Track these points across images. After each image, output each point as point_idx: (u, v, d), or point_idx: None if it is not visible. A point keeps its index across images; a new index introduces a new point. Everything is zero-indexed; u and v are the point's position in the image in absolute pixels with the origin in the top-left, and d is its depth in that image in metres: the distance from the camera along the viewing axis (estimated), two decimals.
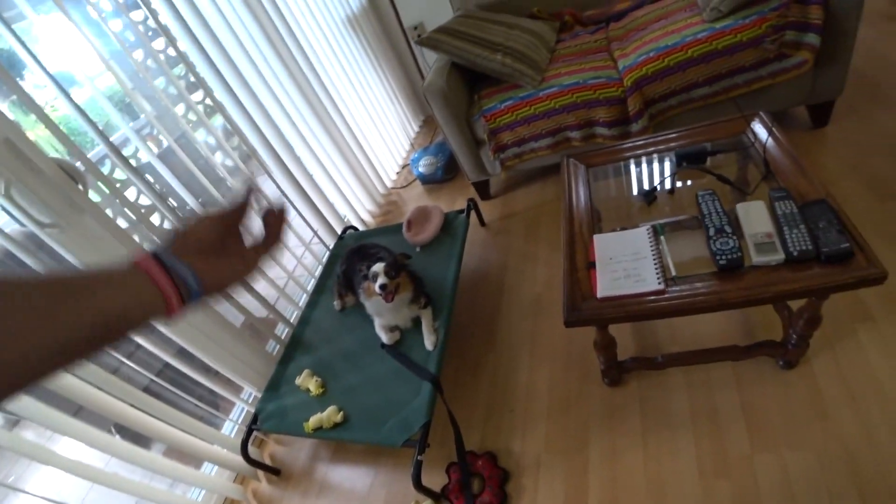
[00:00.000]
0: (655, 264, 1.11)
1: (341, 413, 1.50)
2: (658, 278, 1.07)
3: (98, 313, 0.38)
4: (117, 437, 1.60)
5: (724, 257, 1.05)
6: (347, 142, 2.55)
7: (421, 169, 2.68)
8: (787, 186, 1.16)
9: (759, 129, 1.37)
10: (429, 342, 1.54)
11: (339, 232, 2.31)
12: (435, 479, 1.46)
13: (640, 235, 1.19)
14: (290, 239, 2.34)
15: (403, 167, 3.09)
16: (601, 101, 1.93)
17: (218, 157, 4.09)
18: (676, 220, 1.25)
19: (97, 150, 2.90)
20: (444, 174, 2.66)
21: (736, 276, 1.04)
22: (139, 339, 1.53)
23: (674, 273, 1.08)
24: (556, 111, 1.99)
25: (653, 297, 1.05)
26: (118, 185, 1.64)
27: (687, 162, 1.36)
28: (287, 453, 1.79)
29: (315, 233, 2.38)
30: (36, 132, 1.37)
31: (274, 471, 1.73)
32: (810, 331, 1.20)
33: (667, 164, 1.45)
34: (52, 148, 1.49)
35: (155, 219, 1.76)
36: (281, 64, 2.19)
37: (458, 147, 2.19)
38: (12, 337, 0.33)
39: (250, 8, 2.06)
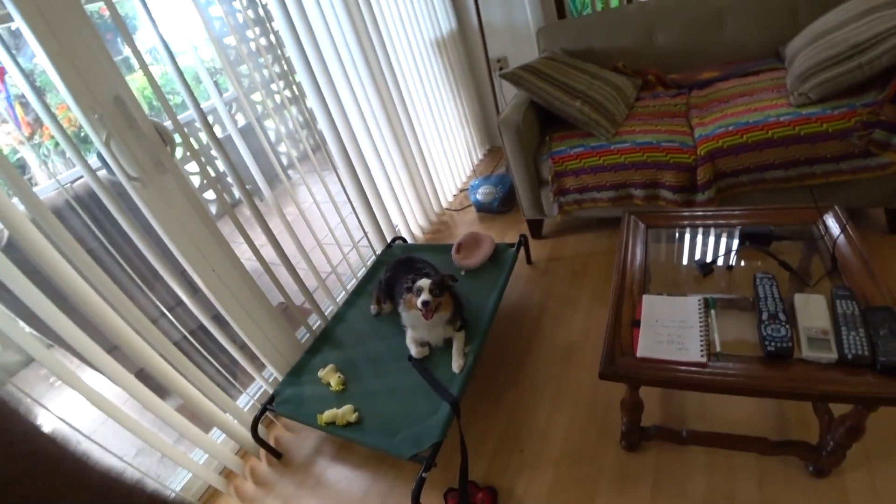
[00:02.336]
0: (701, 336, 1.09)
1: (356, 413, 1.52)
2: (702, 350, 1.05)
3: None
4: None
5: (773, 343, 1.03)
6: (413, 154, 2.63)
7: (478, 196, 2.73)
8: (852, 286, 1.13)
9: (832, 223, 1.34)
10: (456, 365, 1.56)
11: (389, 240, 2.37)
12: (431, 501, 1.45)
13: (691, 305, 1.18)
14: (339, 234, 2.42)
15: (461, 191, 3.15)
16: (671, 165, 1.93)
17: (283, 147, 4.33)
18: (729, 298, 1.22)
19: (183, 115, 3.12)
20: (500, 206, 2.69)
21: (782, 365, 1.02)
22: (182, 296, 1.62)
23: (718, 349, 1.06)
24: (624, 166, 2.00)
25: (693, 369, 1.03)
26: (197, 149, 1.74)
27: (750, 241, 1.34)
28: (293, 440, 1.82)
29: (366, 234, 2.45)
30: (132, 85, 1.49)
31: (276, 454, 1.76)
32: (850, 441, 1.14)
33: (728, 240, 1.43)
34: (144, 101, 1.61)
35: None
36: (366, 67, 2.30)
37: (521, 182, 2.22)
38: None
39: (348, 10, 2.19)
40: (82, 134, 1.38)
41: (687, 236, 1.50)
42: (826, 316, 1.07)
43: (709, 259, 1.34)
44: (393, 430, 1.44)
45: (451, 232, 2.77)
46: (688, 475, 1.34)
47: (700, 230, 1.49)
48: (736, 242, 1.39)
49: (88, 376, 1.42)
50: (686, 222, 1.52)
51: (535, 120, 2.25)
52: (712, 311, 1.16)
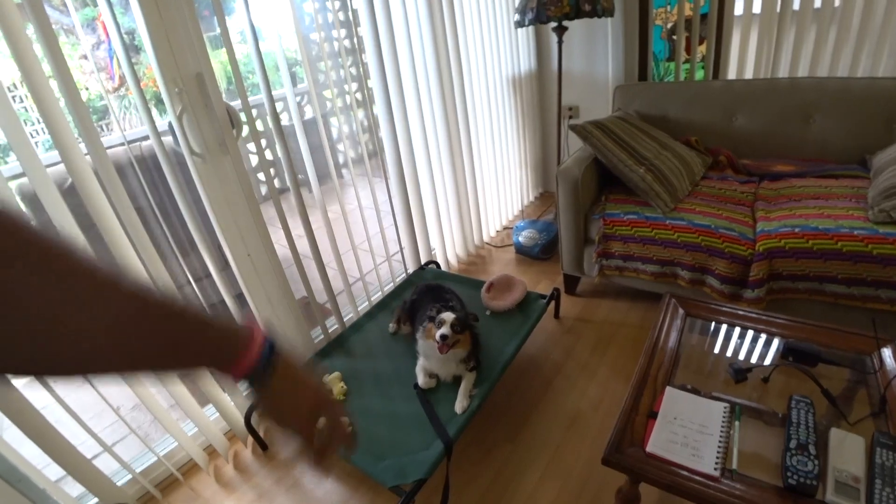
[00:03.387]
0: (719, 447, 1.02)
1: (350, 428, 1.50)
2: (717, 463, 0.98)
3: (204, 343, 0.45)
4: None
5: (795, 477, 0.95)
6: (466, 182, 2.64)
7: (521, 238, 2.70)
8: None
9: (889, 360, 1.24)
10: (459, 405, 1.52)
11: (423, 262, 2.37)
12: None
13: (715, 410, 1.10)
14: (376, 243, 2.43)
15: (505, 229, 3.13)
16: (724, 254, 1.85)
17: (340, 146, 4.43)
18: (758, 411, 1.14)
19: (254, 98, 3.24)
20: (541, 253, 2.65)
21: (801, 503, 0.93)
22: (212, 269, 1.65)
23: (735, 466, 0.99)
24: (675, 244, 1.93)
25: (702, 480, 0.96)
26: (261, 131, 1.79)
27: (794, 357, 1.25)
28: (281, 436, 1.81)
29: (401, 249, 2.45)
30: (215, 61, 1.55)
31: (263, 444, 1.76)
32: None
33: (769, 350, 1.34)
34: (225, 82, 1.67)
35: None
36: (438, 86, 2.33)
37: (567, 236, 2.18)
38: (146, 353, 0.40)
39: (433, 29, 2.24)
40: (161, 96, 1.45)
41: (726, 334, 1.42)
42: (862, 461, 0.98)
43: (745, 365, 1.26)
44: (380, 454, 1.41)
45: (485, 267, 2.74)
46: None
47: (742, 330, 1.41)
48: (776, 354, 1.31)
49: None
50: (728, 319, 1.44)
51: (594, 177, 2.21)
52: (737, 423, 1.08)
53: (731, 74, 2.83)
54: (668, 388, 1.16)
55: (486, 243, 2.97)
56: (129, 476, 1.57)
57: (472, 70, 2.59)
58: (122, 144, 1.81)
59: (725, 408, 1.11)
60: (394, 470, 1.35)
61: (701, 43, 2.82)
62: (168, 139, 1.70)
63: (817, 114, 2.26)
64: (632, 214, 2.02)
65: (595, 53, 2.94)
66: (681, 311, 1.45)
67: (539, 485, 1.52)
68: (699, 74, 2.89)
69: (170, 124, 1.50)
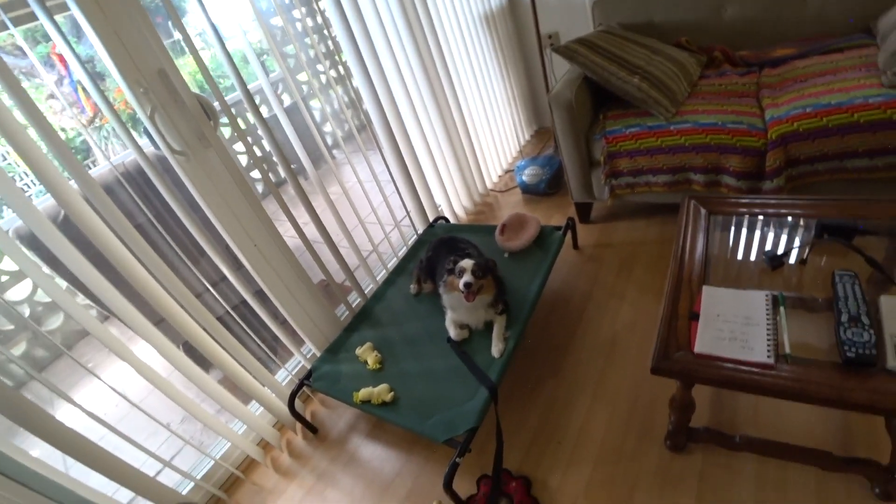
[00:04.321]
0: (769, 335, 0.99)
1: (392, 393, 1.50)
2: (768, 351, 0.96)
3: None
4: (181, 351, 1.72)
5: (854, 349, 0.92)
6: (459, 134, 2.56)
7: (524, 178, 2.64)
8: None
9: None
10: (496, 349, 1.51)
11: (431, 219, 2.33)
12: (463, 486, 1.42)
13: (757, 300, 1.07)
14: (382, 213, 2.39)
15: (507, 172, 3.06)
16: (737, 149, 1.78)
17: (328, 127, 4.35)
18: (801, 297, 1.11)
19: (232, 96, 3.16)
20: (547, 188, 2.59)
21: (863, 375, 0.91)
22: (225, 271, 1.63)
23: (787, 351, 0.96)
24: (684, 148, 1.86)
25: (758, 370, 0.94)
26: (244, 128, 1.74)
27: (829, 234, 1.21)
28: (328, 416, 1.83)
29: (408, 213, 2.41)
30: (184, 70, 1.51)
31: (312, 428, 1.77)
32: None
33: (803, 232, 1.30)
34: (195, 85, 1.61)
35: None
36: (413, 44, 2.23)
37: (571, 163, 2.12)
38: None
39: None
40: (137, 116, 1.40)
41: (754, 225, 1.37)
42: None
43: (779, 251, 1.22)
44: (428, 412, 1.41)
45: (494, 214, 2.69)
46: (736, 484, 1.24)
47: (769, 220, 1.36)
48: (811, 235, 1.26)
49: (138, 349, 1.46)
50: (754, 210, 1.39)
51: (588, 97, 2.12)
52: (781, 309, 1.05)
53: None
54: (706, 288, 1.13)
55: (491, 190, 2.90)
56: (192, 484, 1.60)
57: (442, 18, 2.46)
58: (108, 166, 1.77)
59: (767, 297, 1.08)
60: (443, 425, 1.36)
61: None
62: (150, 150, 1.65)
63: None
64: (634, 127, 1.95)
65: None
66: (703, 210, 1.40)
67: (589, 413, 1.52)
68: None
69: (145, 130, 1.45)
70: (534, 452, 1.47)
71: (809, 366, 0.93)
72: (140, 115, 1.38)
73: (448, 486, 1.28)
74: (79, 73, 1.33)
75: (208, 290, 1.72)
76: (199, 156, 1.49)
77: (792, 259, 1.20)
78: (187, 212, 1.52)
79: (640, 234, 2.18)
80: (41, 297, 3.05)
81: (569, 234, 2.00)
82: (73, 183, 1.30)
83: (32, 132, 1.21)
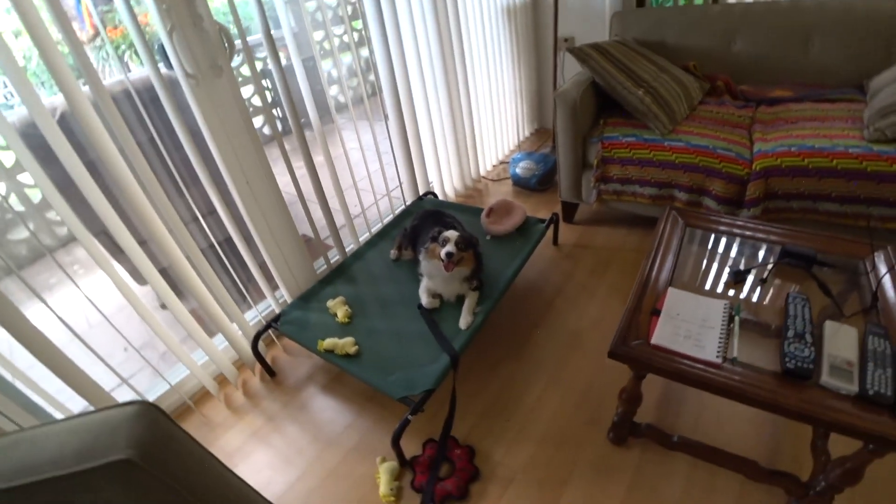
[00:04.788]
0: (720, 339, 1.06)
1: (356, 347, 1.53)
2: (718, 352, 1.03)
3: None
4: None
5: (793, 361, 0.99)
6: (463, 116, 2.59)
7: (518, 170, 2.69)
8: (888, 326, 1.08)
9: (881, 263, 1.27)
10: (464, 321, 1.55)
11: (421, 193, 2.36)
12: (409, 446, 1.46)
13: (716, 307, 1.14)
14: (376, 181, 2.40)
15: (501, 163, 3.11)
16: (721, 174, 1.86)
17: (334, 90, 4.31)
18: (756, 311, 1.18)
19: (251, 38, 3.10)
20: (538, 184, 2.65)
21: (798, 385, 0.98)
22: (217, 206, 1.64)
23: (735, 355, 1.03)
24: (673, 165, 1.94)
25: (705, 367, 1.00)
26: (259, 70, 1.74)
27: (791, 259, 1.29)
28: (288, 362, 1.86)
29: (400, 184, 2.43)
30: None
31: (270, 371, 1.80)
32: (843, 485, 1.10)
33: (767, 255, 1.38)
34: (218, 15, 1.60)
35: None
36: (434, 21, 2.25)
37: (565, 161, 2.17)
38: None
39: None
40: (146, 38, 1.40)
41: (724, 242, 1.45)
42: (855, 349, 1.03)
43: (743, 268, 1.29)
44: (389, 369, 1.45)
45: (482, 200, 2.73)
46: (666, 481, 1.32)
47: (740, 239, 1.44)
48: (774, 258, 1.34)
49: (115, 268, 1.46)
50: (727, 228, 1.46)
51: (592, 101, 2.18)
52: (736, 318, 1.12)
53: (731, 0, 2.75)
54: (671, 289, 1.20)
55: (483, 177, 2.95)
56: None
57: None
58: (119, 80, 1.74)
59: (726, 305, 1.15)
60: (402, 382, 1.40)
61: None
62: (162, 71, 1.63)
63: (817, 36, 2.22)
64: (630, 137, 2.01)
65: None
66: (681, 221, 1.47)
67: (542, 395, 1.59)
68: (698, 2, 2.80)
69: (160, 47, 1.44)
70: (483, 424, 1.53)
71: (752, 370, 1.00)
72: (159, 30, 1.37)
73: (396, 439, 1.33)
74: None
75: (198, 219, 1.72)
76: (210, 83, 1.49)
77: (753, 277, 1.27)
78: (189, 139, 1.52)
79: (618, 241, 2.26)
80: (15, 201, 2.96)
81: (550, 230, 2.06)
82: (85, 87, 1.29)
83: (53, 30, 1.20)
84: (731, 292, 1.25)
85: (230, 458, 1.55)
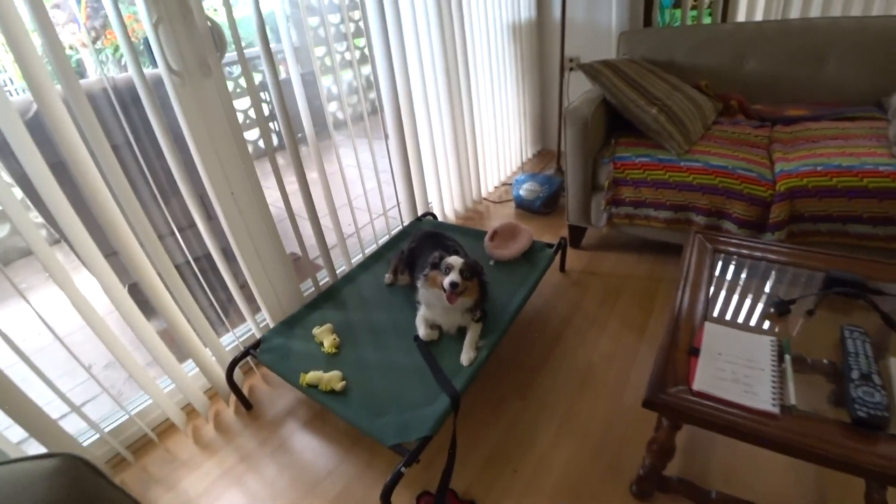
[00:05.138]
0: (773, 383, 0.89)
1: (343, 383, 1.35)
2: (773, 399, 0.86)
3: None
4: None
5: (865, 409, 0.83)
6: (465, 135, 2.48)
7: (521, 192, 2.55)
8: None
9: None
10: (466, 357, 1.38)
11: (420, 213, 2.21)
12: (400, 500, 1.27)
13: (762, 345, 0.98)
14: (372, 199, 2.25)
15: (504, 184, 2.98)
16: (743, 196, 1.72)
17: (333, 106, 4.22)
18: (806, 348, 1.02)
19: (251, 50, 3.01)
20: (542, 206, 2.51)
21: (872, 437, 0.82)
22: (197, 220, 1.48)
23: (793, 402, 0.86)
24: (690, 187, 1.80)
25: (761, 419, 0.83)
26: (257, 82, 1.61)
27: (839, 287, 1.13)
28: (267, 394, 1.67)
29: (398, 203, 2.29)
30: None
31: (246, 403, 1.61)
32: None
33: (808, 283, 1.22)
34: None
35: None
36: (440, 38, 2.17)
37: (573, 183, 2.04)
38: None
39: None
40: (137, 43, 1.28)
41: (759, 269, 1.29)
42: None
43: (789, 298, 1.13)
44: (379, 410, 1.27)
45: (483, 222, 2.59)
46: None
47: (775, 266, 1.29)
48: (818, 287, 1.18)
49: (81, 279, 1.29)
50: (760, 253, 1.31)
51: (602, 120, 2.06)
52: (787, 357, 0.96)
53: (741, 19, 2.69)
54: (708, 324, 1.03)
55: (484, 198, 2.81)
56: (97, 436, 1.41)
57: (472, 16, 2.40)
58: (97, 77, 1.61)
59: (773, 341, 0.99)
60: (395, 427, 1.21)
61: None
62: (146, 70, 1.50)
63: (832, 55, 2.13)
64: (644, 157, 1.88)
65: (598, 1, 2.76)
66: (709, 246, 1.32)
67: (553, 444, 1.40)
68: (706, 20, 2.73)
69: (145, 39, 1.31)
70: (486, 476, 1.34)
71: (815, 421, 0.83)
72: (145, 23, 1.24)
73: (387, 495, 1.14)
74: None
75: (174, 233, 1.56)
76: (196, 83, 1.35)
77: (799, 308, 1.11)
78: (171, 145, 1.37)
79: (628, 268, 2.10)
80: None
81: (558, 256, 1.91)
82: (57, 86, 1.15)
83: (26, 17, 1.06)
84: (767, 325, 1.09)
85: None
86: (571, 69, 2.97)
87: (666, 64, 2.38)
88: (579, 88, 2.07)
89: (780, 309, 1.09)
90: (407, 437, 1.18)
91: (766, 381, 0.89)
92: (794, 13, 2.52)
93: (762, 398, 0.86)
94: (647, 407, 0.87)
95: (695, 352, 0.96)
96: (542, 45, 3.07)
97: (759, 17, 2.62)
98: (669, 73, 2.28)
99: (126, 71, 1.32)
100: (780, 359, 0.95)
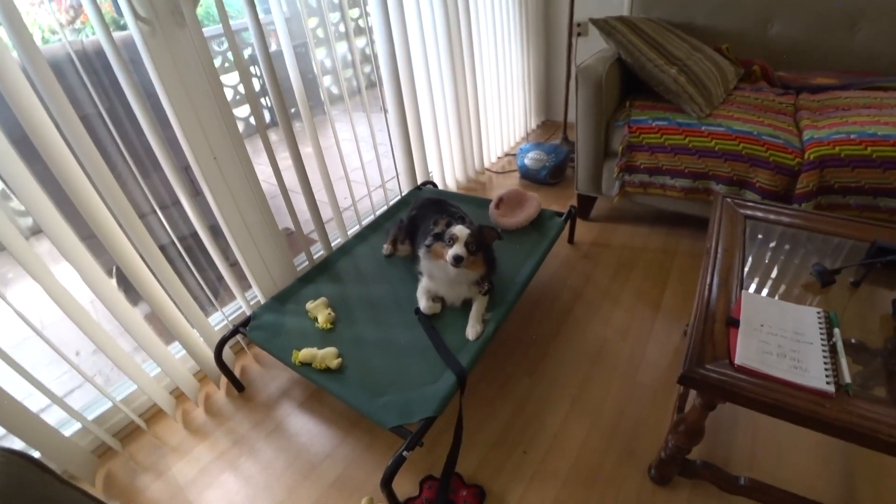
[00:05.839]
0: (825, 358, 0.79)
1: (339, 360, 1.25)
2: (827, 377, 0.75)
3: None
4: (113, 280, 1.43)
5: None
6: (468, 103, 2.34)
7: (526, 161, 2.42)
8: None
9: None
10: (472, 331, 1.27)
11: (419, 182, 2.08)
12: (403, 485, 1.19)
13: (808, 316, 0.88)
14: (370, 170, 2.13)
15: (507, 155, 2.84)
16: (769, 164, 1.60)
17: (327, 80, 4.04)
18: (852, 319, 0.92)
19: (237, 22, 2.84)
20: (548, 177, 2.38)
21: None
22: (182, 198, 1.35)
23: (847, 380, 0.76)
24: (712, 153, 1.68)
25: (816, 399, 0.73)
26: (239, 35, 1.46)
27: (889, 256, 1.02)
28: (260, 374, 1.57)
29: (397, 174, 2.16)
30: None
31: (238, 385, 1.52)
32: None
33: (851, 253, 1.11)
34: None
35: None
36: (442, 2, 2.01)
37: (584, 149, 1.91)
38: None
39: None
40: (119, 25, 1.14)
41: (796, 237, 1.18)
42: None
43: (834, 267, 1.02)
44: (379, 389, 1.17)
45: (487, 193, 2.46)
46: None
47: (812, 234, 1.18)
48: (863, 257, 1.08)
49: (61, 268, 1.18)
50: (793, 220, 1.20)
51: (617, 81, 1.92)
52: (836, 331, 0.85)
53: None
54: (745, 293, 0.93)
55: (487, 169, 2.68)
56: (79, 426, 1.31)
57: None
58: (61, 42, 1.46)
59: (819, 313, 0.88)
60: (396, 408, 1.12)
61: None
62: (118, 35, 1.36)
63: (864, 21, 1.99)
64: (661, 121, 1.75)
65: None
66: (739, 212, 1.21)
67: (566, 422, 1.31)
68: None
69: None
70: (494, 458, 1.25)
71: (880, 403, 0.73)
72: None
73: (387, 481, 1.04)
74: None
75: (155, 212, 1.43)
76: (169, 33, 1.21)
77: (843, 278, 1.01)
78: (148, 114, 1.23)
79: (641, 241, 1.99)
80: None
81: (566, 226, 1.79)
82: (14, 54, 1.01)
83: None
84: (819, 299, 0.98)
85: (183, 492, 1.26)
86: (580, 34, 2.81)
87: (684, 26, 2.23)
88: (589, 53, 1.93)
89: (823, 279, 0.98)
90: (409, 419, 1.08)
91: (816, 357, 0.79)
92: None
93: (814, 375, 0.76)
94: (685, 384, 0.77)
95: (734, 322, 0.85)
96: (548, 8, 2.91)
97: None
98: (690, 36, 2.13)
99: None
100: (829, 333, 0.85)
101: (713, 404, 0.85)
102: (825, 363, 0.78)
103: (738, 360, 0.78)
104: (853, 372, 0.79)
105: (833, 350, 0.82)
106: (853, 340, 0.87)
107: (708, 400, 0.83)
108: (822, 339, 0.82)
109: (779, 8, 2.10)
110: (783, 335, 0.83)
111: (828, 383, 0.74)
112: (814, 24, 2.06)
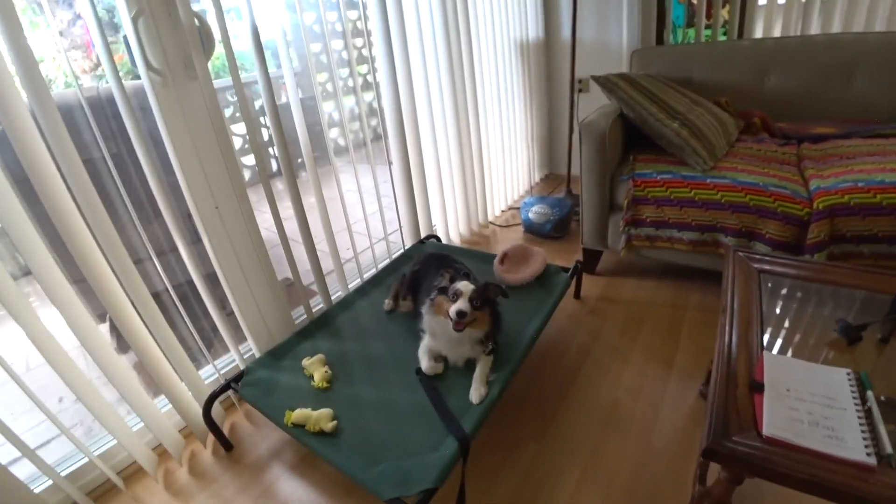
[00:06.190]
0: (861, 425, 0.72)
1: (334, 423, 1.18)
2: (867, 447, 0.68)
3: None
4: (104, 325, 1.39)
5: None
6: (472, 157, 2.36)
7: (530, 215, 2.41)
8: None
9: None
10: (476, 394, 1.20)
11: (423, 236, 2.06)
12: None
13: (837, 378, 0.81)
14: (373, 221, 2.12)
15: (510, 208, 2.84)
16: (777, 215, 1.57)
17: (334, 132, 4.14)
18: (884, 378, 0.85)
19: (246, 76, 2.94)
20: (553, 231, 2.36)
21: None
22: (179, 244, 1.33)
23: (890, 450, 0.69)
24: (718, 206, 1.65)
25: (857, 474, 0.66)
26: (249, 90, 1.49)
27: None
28: (250, 433, 1.49)
29: (400, 227, 2.15)
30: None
31: (226, 444, 1.43)
32: None
33: (872, 308, 1.05)
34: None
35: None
36: (447, 58, 2.10)
37: (589, 203, 1.89)
38: None
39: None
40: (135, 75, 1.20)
41: (813, 292, 1.13)
42: None
43: (859, 323, 0.96)
44: (375, 456, 1.09)
45: (490, 248, 2.43)
46: None
47: (829, 289, 1.12)
48: (886, 312, 1.02)
49: (48, 313, 1.14)
50: (809, 273, 1.15)
51: (620, 136, 1.93)
52: (869, 394, 0.78)
53: (758, 37, 2.60)
54: (767, 353, 0.87)
55: (491, 222, 2.67)
56: (50, 482, 1.23)
57: (480, 35, 2.33)
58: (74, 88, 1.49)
59: (849, 374, 0.82)
60: (393, 477, 1.03)
61: (724, 6, 2.58)
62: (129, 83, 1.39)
63: (859, 71, 2.03)
64: (666, 174, 1.74)
65: (607, 21, 2.70)
66: (753, 266, 1.16)
67: (577, 492, 1.21)
68: (721, 38, 2.65)
69: (124, 37, 1.19)
70: None
71: None
72: (123, 16, 1.13)
73: None
74: (89, 19, 1.10)
75: (151, 258, 1.41)
76: (180, 84, 1.23)
77: (870, 335, 0.94)
78: (151, 161, 1.24)
79: (649, 295, 1.94)
80: None
81: (572, 281, 1.75)
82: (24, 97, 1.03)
83: None
84: (844, 358, 0.92)
85: None
86: (581, 90, 2.88)
87: (682, 81, 2.28)
88: (590, 108, 1.97)
89: (849, 336, 0.92)
90: (408, 490, 1.00)
91: (852, 424, 0.72)
92: (814, 31, 2.43)
93: (852, 446, 0.68)
94: (709, 458, 0.70)
95: (758, 387, 0.79)
96: (550, 66, 3.00)
97: (776, 35, 2.53)
98: (688, 90, 2.17)
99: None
100: (863, 396, 0.78)
101: (741, 479, 0.77)
102: (862, 431, 0.71)
103: (766, 431, 0.71)
104: (893, 439, 0.72)
105: (868, 415, 0.75)
106: (882, 398, 0.80)
107: (735, 474, 0.76)
108: (855, 404, 0.76)
109: (774, 61, 2.15)
110: (813, 400, 0.76)
111: (868, 455, 0.67)
112: (809, 75, 2.10)
